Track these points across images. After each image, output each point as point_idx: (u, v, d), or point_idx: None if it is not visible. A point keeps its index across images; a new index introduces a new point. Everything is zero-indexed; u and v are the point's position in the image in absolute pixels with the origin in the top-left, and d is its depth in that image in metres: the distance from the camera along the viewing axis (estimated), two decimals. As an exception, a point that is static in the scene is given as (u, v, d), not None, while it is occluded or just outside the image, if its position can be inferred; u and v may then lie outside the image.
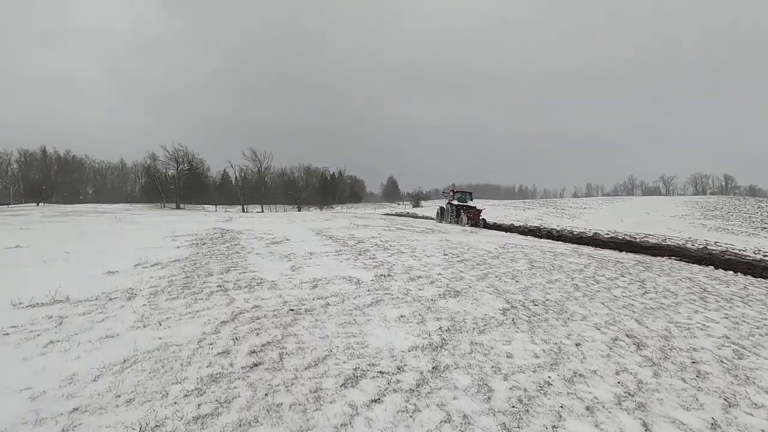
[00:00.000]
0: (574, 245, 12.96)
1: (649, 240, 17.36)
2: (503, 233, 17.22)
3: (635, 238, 18.21)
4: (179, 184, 73.66)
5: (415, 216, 42.73)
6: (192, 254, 7.45)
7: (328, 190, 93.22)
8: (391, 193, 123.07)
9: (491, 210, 46.56)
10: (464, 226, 19.24)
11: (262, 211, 65.98)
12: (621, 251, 12.25)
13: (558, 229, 21.81)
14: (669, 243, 16.69)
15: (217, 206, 77.87)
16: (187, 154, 76.03)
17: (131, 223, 14.81)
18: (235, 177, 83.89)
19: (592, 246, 13.48)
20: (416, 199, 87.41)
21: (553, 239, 16.13)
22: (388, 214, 52.41)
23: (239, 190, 79.17)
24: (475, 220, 20.20)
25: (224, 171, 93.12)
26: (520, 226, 24.27)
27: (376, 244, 9.37)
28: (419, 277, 6.06)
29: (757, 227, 29.97)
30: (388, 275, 6.07)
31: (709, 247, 15.99)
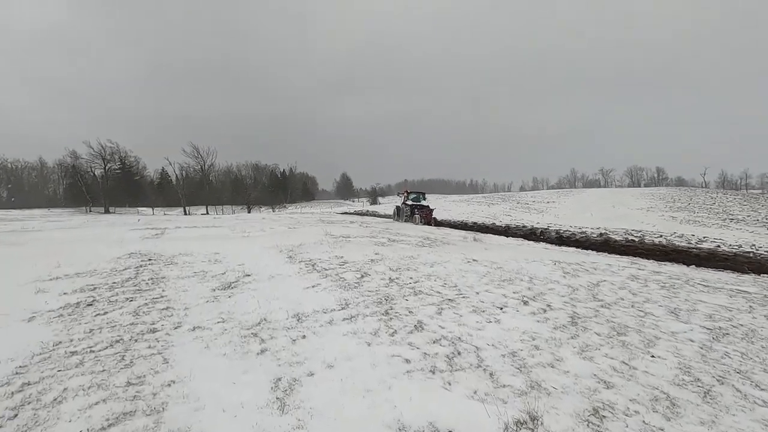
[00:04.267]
0: (630, 258, 10.38)
1: (674, 242, 15.40)
2: (508, 240, 14.48)
3: (642, 238, 16.25)
4: (107, 184, 65.26)
5: (376, 214, 39.67)
6: (43, 351, 3.67)
7: (279, 188, 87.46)
8: (345, 189, 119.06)
9: (455, 206, 44.57)
10: (418, 224, 20.78)
11: (207, 213, 59.68)
12: (683, 264, 9.83)
13: (556, 229, 19.56)
14: (699, 246, 14.80)
15: (155, 209, 70.03)
16: (118, 151, 67.62)
17: None
18: (176, 176, 76.04)
19: (633, 255, 11.01)
20: (373, 195, 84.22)
21: (563, 244, 13.63)
22: (347, 213, 48.95)
23: (180, 191, 71.66)
24: (427, 219, 21.76)
25: (162, 169, 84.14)
26: (502, 226, 21.93)
27: (391, 280, 6.06)
28: (556, 390, 2.89)
29: (725, 218, 30.00)
30: (507, 399, 2.83)
31: (743, 248, 14.28)
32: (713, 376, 3.13)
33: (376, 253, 8.53)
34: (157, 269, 6.91)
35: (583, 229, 20.08)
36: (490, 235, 16.49)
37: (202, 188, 75.45)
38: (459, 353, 3.47)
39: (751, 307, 5.15)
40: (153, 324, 4.18)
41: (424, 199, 26.34)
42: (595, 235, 16.73)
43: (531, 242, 13.72)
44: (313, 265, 7.11)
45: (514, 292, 5.54)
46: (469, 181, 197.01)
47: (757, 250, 12.90)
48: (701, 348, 3.69)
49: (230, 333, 3.90)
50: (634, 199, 42.77)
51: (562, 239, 15.16)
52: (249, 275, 6.36)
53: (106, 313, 4.55)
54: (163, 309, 4.70)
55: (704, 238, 18.12)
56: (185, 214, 60.29)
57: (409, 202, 24.50)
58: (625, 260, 9.52)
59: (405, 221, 23.13)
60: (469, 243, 11.92)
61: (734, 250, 12.46)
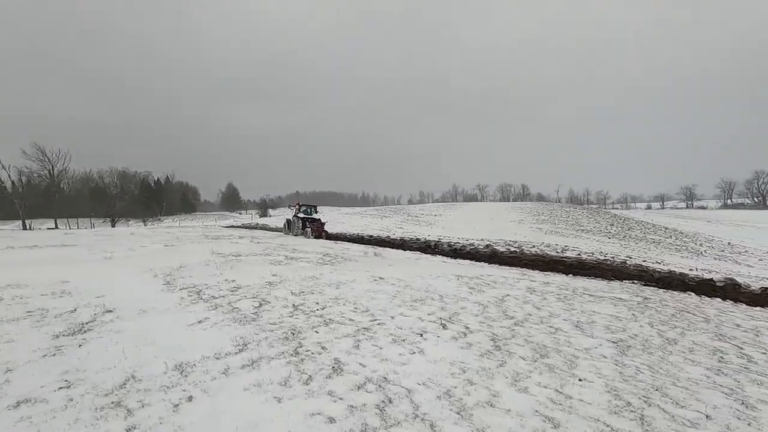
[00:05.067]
0: (518, 269, 11.03)
1: (546, 252, 17.16)
2: (407, 254, 14.58)
3: (521, 249, 17.90)
4: None
5: (266, 228, 37.54)
6: None
7: (152, 199, 77.80)
8: (232, 201, 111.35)
9: (349, 219, 44.60)
10: (309, 237, 20.86)
11: (56, 228, 49.90)
12: (563, 273, 10.81)
13: (447, 242, 20.46)
14: (565, 254, 16.67)
15: (-22, 222, 56.40)
16: None
17: None
18: (12, 182, 62.44)
19: (519, 266, 11.84)
20: (263, 207, 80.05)
21: (458, 257, 14.22)
22: (233, 226, 45.38)
23: (19, 200, 58.97)
24: (319, 232, 22.01)
25: (-10, 174, 68.21)
26: (398, 240, 22.33)
27: (295, 307, 5.31)
28: None
29: (578, 229, 35.15)
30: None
31: (594, 255, 16.45)
32: (639, 398, 3.13)
33: (273, 275, 7.63)
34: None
35: (471, 241, 21.44)
36: (388, 249, 16.50)
37: (49, 197, 63.23)
38: (390, 400, 2.95)
39: (633, 315, 5.66)
40: (-54, 402, 2.83)
41: (316, 212, 26.34)
42: (482, 247, 17.89)
43: (428, 255, 14.01)
44: (198, 293, 5.97)
45: (429, 314, 5.26)
46: (361, 194, 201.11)
47: (613, 257, 15.07)
48: (616, 365, 3.77)
49: (79, 405, 2.79)
50: (507, 212, 47.76)
51: (455, 252, 15.84)
52: (111, 311, 5.01)
53: None
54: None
55: (566, 246, 20.75)
56: (25, 229, 49.60)
57: (301, 215, 24.28)
58: (515, 272, 10.14)
59: (296, 235, 22.74)
60: (371, 258, 11.62)
61: (596, 258, 14.33)
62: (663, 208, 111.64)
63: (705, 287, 9.14)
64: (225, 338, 4.10)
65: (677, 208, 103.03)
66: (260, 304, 5.43)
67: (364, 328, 4.56)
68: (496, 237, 25.79)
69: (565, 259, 13.87)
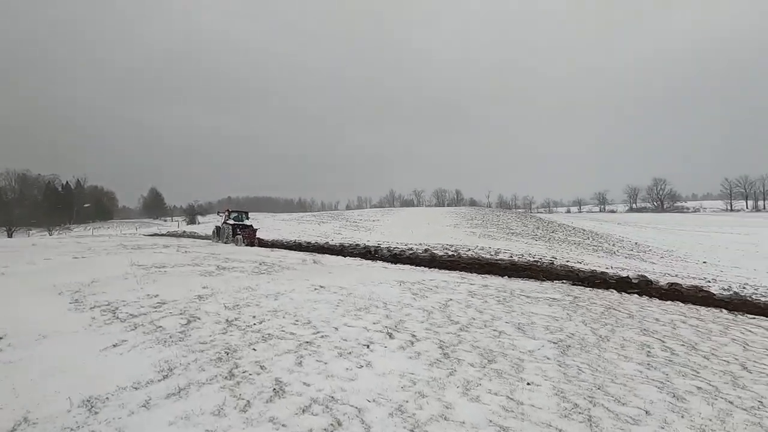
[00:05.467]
0: (457, 272, 11.20)
1: (481, 255, 17.78)
2: (347, 260, 14.32)
3: (458, 252, 18.43)
4: None
5: (195, 236, 35.23)
6: None
7: (60, 205, 69.83)
8: (155, 207, 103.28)
9: (286, 225, 43.38)
10: (240, 245, 20.20)
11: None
12: (499, 275, 11.18)
13: (387, 247, 20.48)
14: (499, 257, 17.34)
15: None
16: None
17: None
18: None
19: (458, 270, 12.08)
20: (191, 214, 75.14)
21: (398, 262, 14.25)
22: (157, 234, 42.01)
23: None
24: (251, 239, 21.41)
25: None
26: (337, 246, 22.01)
27: (229, 322, 4.85)
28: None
29: (508, 232, 37.18)
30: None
31: (524, 257, 17.34)
32: (585, 398, 3.19)
33: (203, 287, 7.01)
34: None
35: (410, 246, 21.69)
36: (328, 255, 16.13)
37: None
38: (339, 422, 2.71)
39: (568, 314, 5.93)
40: None
41: (247, 218, 25.89)
42: (421, 251, 18.14)
43: (369, 261, 13.87)
44: (113, 312, 5.27)
45: (374, 323, 5.08)
46: (298, 200, 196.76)
47: (541, 258, 16.00)
48: (559, 366, 3.85)
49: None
50: (443, 217, 49.28)
51: (395, 257, 15.88)
52: (1, 338, 4.22)
53: None
54: None
55: (498, 249, 21.75)
56: None
57: (231, 222, 23.57)
58: (455, 275, 10.32)
59: (226, 242, 21.91)
60: (310, 266, 11.22)
61: (527, 259, 15.11)
62: (580, 211, 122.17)
63: (623, 284, 9.95)
64: (146, 363, 3.60)
65: (592, 212, 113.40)
66: (188, 321, 4.91)
67: (307, 342, 4.26)
68: (433, 241, 26.38)
69: (499, 262, 14.47)
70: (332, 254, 17.25)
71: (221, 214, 26.02)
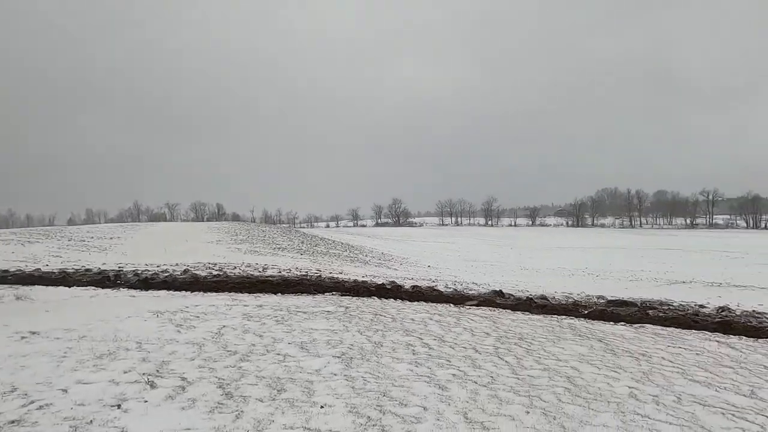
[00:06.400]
0: (226, 294, 10.02)
1: (249, 272, 16.89)
2: (74, 290, 11.07)
3: (224, 271, 17.12)
4: None
5: None
6: None
7: None
8: None
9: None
10: None
11: None
12: (272, 293, 10.77)
13: (132, 270, 16.90)
14: (268, 273, 16.82)
15: None
16: None
17: None
18: None
19: (227, 291, 10.99)
20: None
21: (150, 288, 11.98)
22: None
23: None
24: None
25: None
26: (56, 273, 16.90)
27: None
28: None
29: (275, 248, 37.14)
30: None
31: (292, 271, 17.51)
32: (374, 408, 3.30)
33: None
34: None
35: (164, 267, 18.71)
36: (40, 286, 12.05)
37: None
38: None
39: (345, 326, 6.20)
40: None
41: None
42: (179, 273, 15.93)
43: (108, 290, 11.08)
44: None
45: (125, 372, 3.96)
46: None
47: (308, 272, 16.56)
48: (347, 380, 3.90)
49: None
50: (204, 233, 45.06)
51: (146, 282, 13.23)
52: None
53: None
54: None
55: (266, 265, 21.43)
56: None
57: None
58: (224, 298, 9.40)
59: None
60: (10, 304, 8.09)
61: (296, 274, 15.36)
62: (338, 226, 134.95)
63: (382, 291, 11.32)
64: None
65: (347, 226, 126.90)
66: None
67: (12, 422, 2.90)
68: (193, 260, 23.66)
69: (270, 278, 14.15)
70: (49, 284, 13.01)
71: None
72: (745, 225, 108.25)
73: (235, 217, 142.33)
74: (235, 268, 19.38)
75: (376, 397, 3.52)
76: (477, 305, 9.42)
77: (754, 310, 11.94)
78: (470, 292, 12.44)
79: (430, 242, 60.58)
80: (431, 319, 7.05)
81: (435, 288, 12.51)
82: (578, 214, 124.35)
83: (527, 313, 8.83)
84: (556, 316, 8.58)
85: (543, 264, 35.23)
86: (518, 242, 62.08)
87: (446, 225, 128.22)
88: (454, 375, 4.17)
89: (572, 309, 9.90)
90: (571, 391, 3.85)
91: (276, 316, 6.75)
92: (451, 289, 12.83)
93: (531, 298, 11.25)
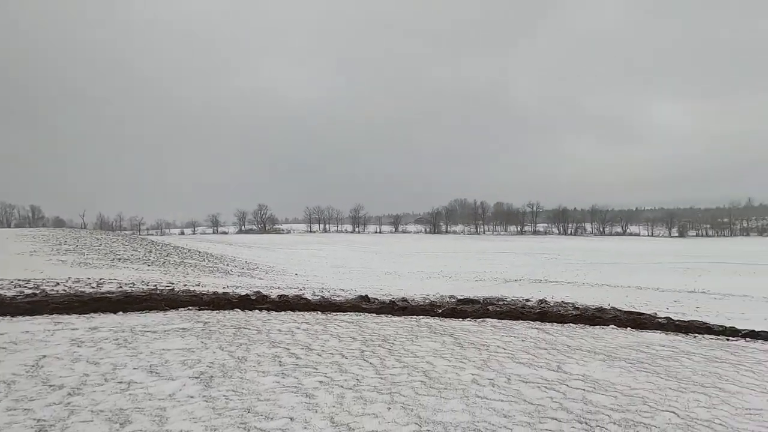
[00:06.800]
0: (43, 317, 8.10)
1: (76, 288, 14.18)
2: None
3: (41, 289, 14.13)
4: None
5: None
6: None
7: None
8: None
9: None
10: None
11: None
12: (110, 312, 9.22)
13: None
14: (104, 289, 14.32)
15: None
16: None
17: None
18: None
19: (47, 314, 8.99)
20: None
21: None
22: None
23: None
24: None
25: None
26: None
27: None
28: None
29: (113, 258, 31.81)
30: None
31: (135, 285, 15.36)
32: (238, 427, 3.14)
33: None
34: None
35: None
36: None
37: None
38: None
39: (203, 343, 5.72)
40: None
41: None
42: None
43: None
44: None
45: None
46: None
47: (157, 285, 14.71)
48: (206, 401, 3.62)
49: None
50: (13, 242, 36.23)
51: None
52: None
53: None
54: None
55: (102, 279, 18.34)
56: None
57: None
58: (42, 321, 7.72)
59: None
60: None
61: (142, 288, 13.49)
62: (195, 233, 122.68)
63: (245, 302, 10.71)
64: None
65: (206, 233, 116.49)
66: None
67: None
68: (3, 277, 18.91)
69: (107, 295, 12.15)
70: None
71: None
72: (557, 232, 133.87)
73: (59, 223, 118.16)
74: (59, 284, 16.06)
75: (240, 415, 3.36)
76: (344, 311, 9.66)
77: (562, 301, 14.94)
78: (338, 299, 12.67)
79: (299, 249, 59.64)
80: (299, 328, 6.98)
81: (302, 296, 12.39)
82: (435, 222, 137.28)
83: (390, 315, 9.40)
84: (415, 316, 9.34)
85: (405, 268, 37.84)
86: (383, 248, 65.47)
87: (314, 231, 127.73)
88: (321, 382, 4.23)
89: (429, 309, 10.89)
90: (427, 384, 4.27)
91: (117, 339, 5.85)
92: (319, 297, 12.87)
93: (393, 301, 12.03)
